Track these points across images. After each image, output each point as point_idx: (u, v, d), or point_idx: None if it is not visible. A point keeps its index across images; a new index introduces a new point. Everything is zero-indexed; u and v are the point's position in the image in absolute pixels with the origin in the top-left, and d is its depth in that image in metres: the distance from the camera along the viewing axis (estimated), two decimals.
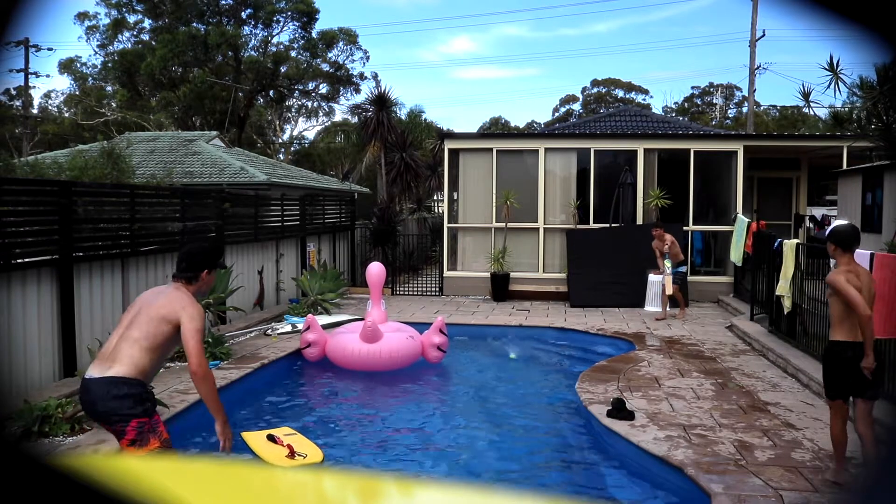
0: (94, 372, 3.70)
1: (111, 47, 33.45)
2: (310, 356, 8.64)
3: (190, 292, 3.87)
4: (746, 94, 32.26)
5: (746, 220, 11.96)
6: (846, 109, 9.90)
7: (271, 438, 5.77)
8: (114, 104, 35.88)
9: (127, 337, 3.72)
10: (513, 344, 10.38)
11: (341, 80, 35.19)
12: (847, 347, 4.63)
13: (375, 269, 9.18)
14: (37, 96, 44.77)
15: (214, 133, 22.70)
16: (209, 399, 3.73)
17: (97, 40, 33.75)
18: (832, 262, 7.19)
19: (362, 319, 11.29)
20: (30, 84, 32.29)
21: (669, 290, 11.54)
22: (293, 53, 34.09)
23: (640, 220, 13.90)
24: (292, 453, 5.50)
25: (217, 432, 3.77)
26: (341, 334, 8.71)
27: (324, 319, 10.84)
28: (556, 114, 56.12)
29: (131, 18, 32.94)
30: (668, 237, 11.58)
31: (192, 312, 3.71)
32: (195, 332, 3.67)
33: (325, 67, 34.99)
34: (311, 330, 8.69)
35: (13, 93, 35.26)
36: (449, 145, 14.79)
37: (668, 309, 11.73)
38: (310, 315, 9.10)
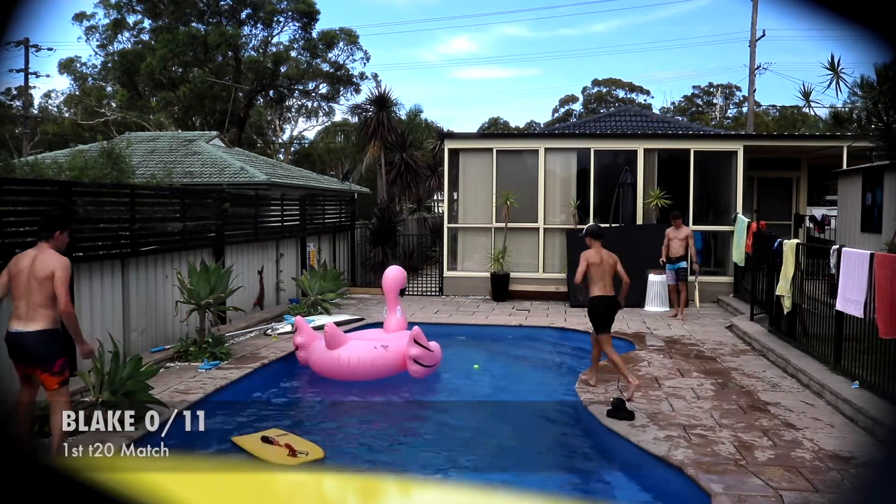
0: (20, 327, 4.98)
1: (111, 47, 33.48)
2: (301, 359, 8.38)
3: (53, 249, 5.14)
4: (746, 94, 32.27)
5: (746, 220, 11.96)
6: (846, 109, 9.89)
7: (266, 440, 5.74)
8: (114, 104, 35.88)
9: (33, 302, 4.97)
10: (482, 350, 10.22)
11: (341, 80, 35.18)
12: (602, 299, 7.13)
13: (391, 274, 8.90)
14: (37, 96, 44.74)
15: (214, 133, 22.70)
16: (73, 328, 5.12)
17: (97, 40, 33.80)
18: (832, 262, 7.21)
19: (362, 320, 11.32)
20: (30, 84, 32.31)
21: (697, 301, 11.78)
22: (293, 53, 34.11)
23: (640, 220, 13.90)
24: (293, 452, 5.48)
25: (82, 351, 5.18)
26: (321, 339, 8.22)
27: (323, 319, 10.84)
28: (556, 114, 56.13)
29: (131, 19, 32.98)
30: (687, 229, 11.70)
31: (62, 266, 5.04)
32: (64, 281, 4.99)
33: (326, 67, 35.00)
34: (299, 332, 8.38)
35: (14, 93, 35.28)
36: (449, 145, 14.79)
37: (680, 307, 11.73)
38: (298, 317, 8.86)
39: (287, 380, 8.41)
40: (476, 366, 8.94)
